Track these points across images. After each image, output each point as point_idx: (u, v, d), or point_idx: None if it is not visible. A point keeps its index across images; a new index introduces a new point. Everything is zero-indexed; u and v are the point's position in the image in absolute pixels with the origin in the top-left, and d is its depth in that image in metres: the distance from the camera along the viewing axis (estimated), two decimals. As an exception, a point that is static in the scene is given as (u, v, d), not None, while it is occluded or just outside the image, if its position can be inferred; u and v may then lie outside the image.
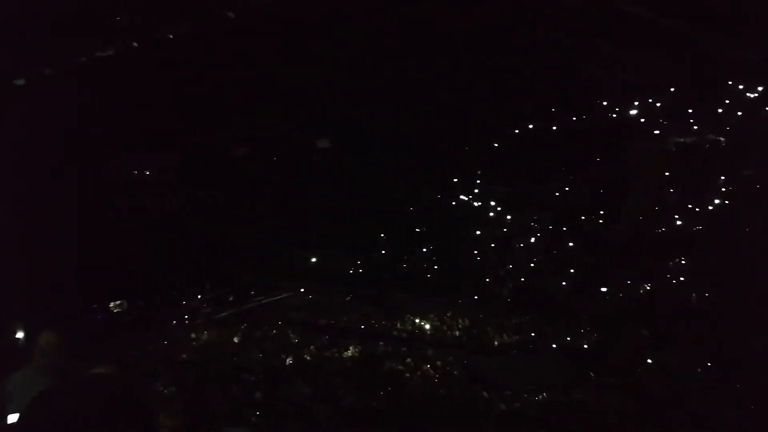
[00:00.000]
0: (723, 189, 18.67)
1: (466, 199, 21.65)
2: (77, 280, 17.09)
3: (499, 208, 21.19)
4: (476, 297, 20.16)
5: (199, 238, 21.66)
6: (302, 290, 22.86)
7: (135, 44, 15.19)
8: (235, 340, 20.44)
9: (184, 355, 19.92)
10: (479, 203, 21.49)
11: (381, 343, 18.78)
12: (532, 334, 17.97)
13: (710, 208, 18.74)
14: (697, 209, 18.91)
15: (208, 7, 14.49)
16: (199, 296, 22.23)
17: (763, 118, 18.67)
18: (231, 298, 22.41)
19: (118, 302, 21.19)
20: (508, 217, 21.09)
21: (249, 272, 22.47)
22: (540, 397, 14.89)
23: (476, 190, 21.60)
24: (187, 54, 16.15)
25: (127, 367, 16.82)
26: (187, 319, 21.45)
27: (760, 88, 18.38)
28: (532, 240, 20.76)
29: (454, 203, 21.72)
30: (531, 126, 20.33)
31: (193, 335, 21.29)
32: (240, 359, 19.30)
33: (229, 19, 14.82)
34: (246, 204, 22.54)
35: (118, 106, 17.56)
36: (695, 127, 18.74)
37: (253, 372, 18.70)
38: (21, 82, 14.24)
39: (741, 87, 18.29)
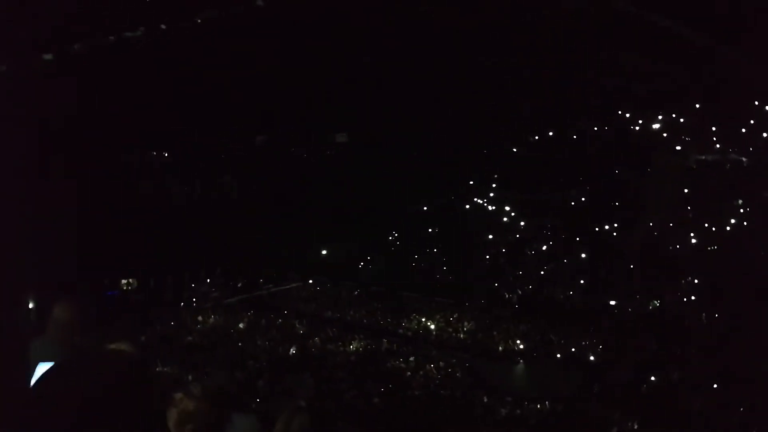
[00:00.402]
0: (741, 210, 18.46)
1: (481, 202, 21.60)
2: (91, 257, 17.24)
3: (513, 214, 21.11)
4: (484, 301, 20.09)
5: (213, 225, 21.78)
6: (311, 282, 22.92)
7: (138, 36, 15.29)
8: (241, 326, 20.54)
9: (190, 338, 20.06)
10: (493, 207, 21.41)
11: (385, 340, 18.79)
12: (538, 342, 17.90)
13: (727, 228, 18.53)
14: (713, 228, 18.71)
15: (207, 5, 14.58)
16: (208, 280, 22.35)
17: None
18: (240, 285, 22.51)
19: (129, 280, 21.34)
20: (522, 223, 21.01)
21: (259, 260, 22.55)
22: (541, 405, 14.83)
23: (491, 194, 21.53)
24: (191, 53, 16.26)
25: (138, 346, 17.02)
26: (195, 302, 21.58)
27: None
28: (544, 247, 20.66)
29: (468, 206, 21.67)
30: (551, 133, 20.22)
31: (200, 318, 21.42)
32: (245, 345, 19.41)
33: (228, 19, 14.91)
34: (261, 194, 22.63)
35: (137, 96, 17.70)
36: (718, 146, 18.53)
37: (257, 359, 18.81)
38: (49, 57, 14.36)
39: (767, 108, 18.07)
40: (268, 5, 15.05)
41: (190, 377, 14.41)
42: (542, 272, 20.00)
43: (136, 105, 18.25)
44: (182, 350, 19.28)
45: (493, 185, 21.56)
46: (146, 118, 19.17)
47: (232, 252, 22.25)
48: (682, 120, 18.82)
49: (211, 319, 21.18)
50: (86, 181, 17.31)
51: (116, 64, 15.74)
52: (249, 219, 22.04)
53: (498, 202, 21.35)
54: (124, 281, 21.53)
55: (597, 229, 19.69)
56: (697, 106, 18.52)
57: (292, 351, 18.54)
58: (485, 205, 21.62)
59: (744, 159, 18.41)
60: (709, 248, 18.34)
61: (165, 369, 16.79)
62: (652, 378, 15.34)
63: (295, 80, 17.86)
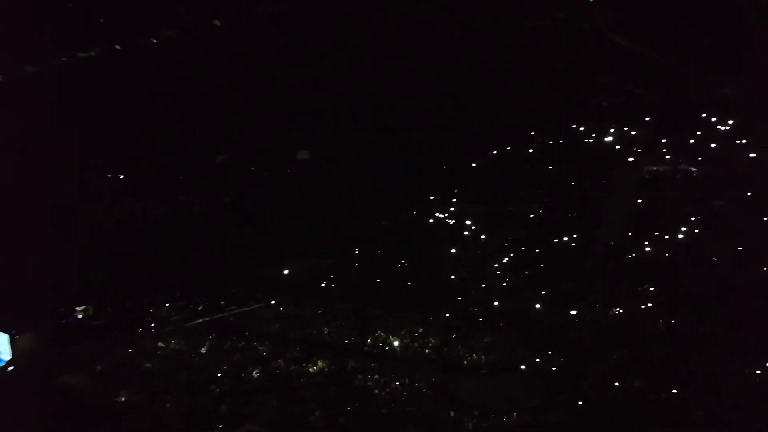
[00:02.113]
0: (693, 218, 19.08)
1: (443, 217, 21.78)
2: (44, 284, 16.73)
3: (474, 228, 21.33)
4: (448, 315, 20.16)
5: (171, 246, 21.36)
6: (273, 302, 22.60)
7: (117, 47, 15.12)
8: (203, 350, 20.09)
9: (149, 364, 19.50)
10: (455, 222, 21.61)
11: (350, 358, 18.62)
12: (503, 355, 18.01)
13: (680, 236, 19.11)
14: (666, 237, 19.27)
15: (193, 14, 14.50)
16: (168, 304, 21.83)
17: (735, 150, 19.28)
18: (201, 308, 22.05)
19: (83, 307, 20.72)
20: (483, 236, 21.23)
21: (220, 282, 22.18)
22: (507, 417, 14.90)
23: (453, 209, 21.74)
24: (167, 61, 16.11)
25: (93, 375, 16.53)
26: (154, 326, 21.02)
27: (731, 122, 19.01)
28: (506, 260, 20.91)
29: (430, 221, 21.83)
30: (509, 148, 20.62)
31: (160, 344, 20.88)
32: (207, 370, 18.97)
33: (212, 28, 14.85)
34: (220, 213, 22.34)
35: (93, 110, 17.38)
36: (668, 157, 19.20)
37: (220, 383, 18.40)
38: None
39: (714, 120, 18.87)
40: (223, 25, 15.02)
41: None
42: (505, 284, 20.24)
43: (89, 126, 17.89)
44: (141, 377, 18.77)
45: (454, 200, 21.80)
46: (100, 138, 18.81)
47: (192, 274, 21.83)
48: (634, 133, 19.46)
49: (172, 344, 20.67)
50: (39, 205, 16.84)
51: (70, 82, 15.43)
52: (210, 239, 21.71)
53: (459, 216, 21.57)
54: (79, 308, 20.90)
55: (557, 240, 20.07)
56: (647, 119, 19.18)
57: (256, 373, 18.22)
58: (447, 219, 21.81)
59: (693, 169, 19.09)
60: (664, 256, 18.91)
61: (123, 397, 16.31)
62: (616, 384, 15.61)
63: (256, 98, 17.78)
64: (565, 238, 20.00)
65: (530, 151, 20.27)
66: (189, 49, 15.82)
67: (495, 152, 20.82)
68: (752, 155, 19.27)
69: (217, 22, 14.97)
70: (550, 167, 20.10)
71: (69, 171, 18.74)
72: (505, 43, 16.11)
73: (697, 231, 18.72)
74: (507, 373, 17.41)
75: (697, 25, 15.50)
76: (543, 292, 19.41)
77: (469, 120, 18.89)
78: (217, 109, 18.45)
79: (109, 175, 20.64)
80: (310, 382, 17.91)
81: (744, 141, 19.01)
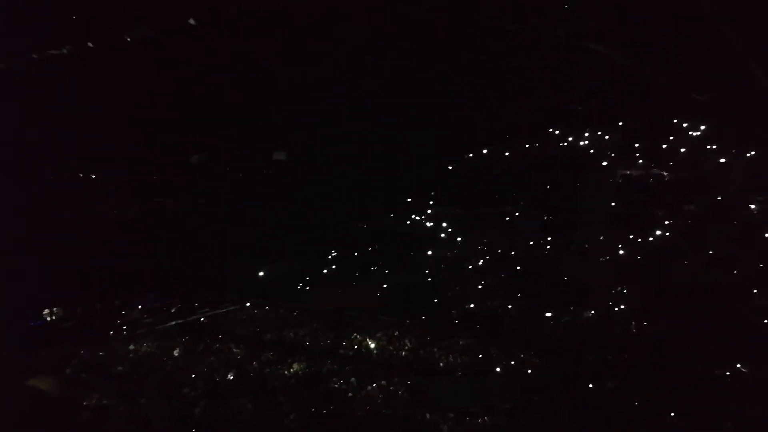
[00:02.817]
0: (665, 222, 19.41)
1: (419, 219, 21.82)
2: (11, 285, 16.36)
3: (450, 230, 21.43)
4: (424, 317, 20.14)
5: (143, 247, 21.08)
6: (248, 304, 22.36)
7: (90, 45, 14.84)
8: (176, 353, 19.76)
9: (120, 368, 19.11)
10: (431, 224, 21.69)
11: (326, 360, 18.52)
12: (479, 356, 18.05)
13: (651, 239, 19.44)
14: (639, 240, 19.58)
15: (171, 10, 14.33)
16: (140, 306, 21.47)
17: (706, 155, 19.68)
18: (173, 310, 21.69)
19: (52, 309, 20.30)
20: (459, 238, 21.32)
21: (194, 283, 21.89)
22: (483, 420, 14.94)
23: (429, 211, 21.80)
24: (141, 60, 15.89)
25: (62, 379, 16.17)
26: (125, 329, 20.64)
27: (703, 127, 19.40)
28: (481, 262, 21.05)
29: (407, 222, 21.87)
30: (485, 151, 20.76)
31: (131, 347, 20.46)
32: (180, 373, 18.67)
33: (187, 27, 14.67)
34: (193, 211, 22.12)
35: (63, 110, 17.08)
36: (641, 161, 19.52)
37: (193, 387, 18.10)
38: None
39: (686, 125, 19.24)
40: (199, 24, 14.86)
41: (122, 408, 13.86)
42: (481, 287, 20.28)
43: (59, 125, 17.58)
44: (112, 380, 18.39)
45: (431, 202, 21.88)
46: (71, 137, 18.49)
47: (165, 275, 21.52)
48: (608, 137, 19.76)
49: (144, 347, 20.29)
50: (6, 205, 16.48)
51: (40, 81, 15.14)
52: (183, 240, 21.45)
53: (436, 218, 21.64)
54: (47, 310, 20.43)
55: (532, 243, 20.27)
56: (621, 124, 19.50)
57: (230, 376, 18.00)
58: (423, 221, 21.87)
59: (665, 174, 19.44)
60: (637, 259, 19.15)
61: (93, 401, 15.98)
62: (590, 386, 15.74)
63: (231, 98, 17.61)
64: (541, 241, 20.23)
65: (506, 154, 20.48)
66: (164, 49, 15.62)
67: (471, 155, 20.99)
68: (722, 160, 19.67)
69: (192, 21, 14.79)
70: (526, 170, 20.34)
71: (38, 171, 18.36)
72: (480, 47, 16.22)
73: (668, 234, 19.05)
74: (482, 375, 17.45)
75: (669, 32, 15.81)
76: (518, 294, 19.53)
77: (445, 122, 18.99)
78: (190, 108, 18.25)
79: (81, 175, 20.27)
80: (285, 385, 17.69)
81: (714, 146, 19.40)
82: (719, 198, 19.18)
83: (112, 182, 21.01)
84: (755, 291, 17.53)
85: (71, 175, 20.06)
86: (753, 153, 19.16)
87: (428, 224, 22.35)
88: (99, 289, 20.73)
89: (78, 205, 19.98)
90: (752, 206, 19.16)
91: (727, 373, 15.09)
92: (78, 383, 16.77)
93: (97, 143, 19.06)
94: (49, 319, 20.13)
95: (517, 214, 21.39)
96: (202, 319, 21.52)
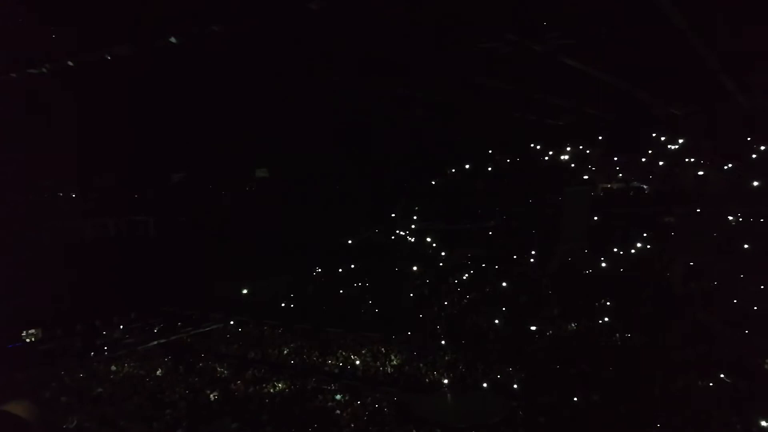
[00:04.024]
0: (645, 234, 19.63)
1: (403, 234, 21.87)
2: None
3: (434, 245, 21.48)
4: (409, 333, 20.13)
5: (125, 266, 20.80)
6: (232, 322, 22.17)
7: (70, 63, 14.72)
8: (158, 373, 19.51)
9: (101, 389, 18.80)
10: (416, 239, 21.73)
11: (311, 378, 18.37)
12: (464, 372, 18.04)
13: (632, 251, 19.62)
14: (621, 252, 19.76)
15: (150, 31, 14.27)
16: (121, 326, 21.18)
17: (683, 168, 20.06)
18: (156, 329, 21.45)
19: (31, 330, 19.93)
20: (443, 253, 21.38)
21: (177, 302, 21.67)
22: (469, 435, 14.91)
23: (413, 227, 21.86)
24: (122, 78, 15.77)
25: (40, 402, 15.75)
26: (106, 350, 20.34)
27: (680, 141, 19.79)
28: (465, 277, 21.07)
29: (391, 237, 21.89)
30: (467, 166, 20.93)
31: (113, 367, 20.17)
32: (163, 393, 18.39)
33: (169, 45, 14.62)
34: (176, 231, 21.89)
35: (41, 128, 16.87)
36: (621, 175, 19.82)
37: (175, 407, 17.83)
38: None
39: (663, 139, 19.62)
40: (180, 42, 14.80)
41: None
42: (465, 301, 20.36)
43: (38, 145, 17.36)
44: (92, 403, 18.07)
45: (414, 217, 21.94)
46: (50, 156, 18.26)
47: (146, 294, 21.28)
48: (588, 152, 20.02)
49: (125, 368, 20.03)
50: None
51: (19, 99, 14.97)
52: (164, 258, 21.22)
53: (420, 234, 21.71)
54: (27, 332, 20.09)
55: (515, 257, 20.37)
56: (601, 138, 19.77)
57: (214, 396, 17.77)
58: (407, 237, 21.91)
59: (645, 186, 19.72)
60: (618, 271, 19.38)
61: (73, 425, 15.66)
62: (575, 399, 15.77)
63: (213, 117, 17.55)
64: (524, 255, 20.33)
65: (489, 169, 20.63)
66: (144, 67, 15.50)
67: (454, 170, 21.12)
68: (699, 173, 20.05)
69: (173, 40, 14.73)
70: (508, 185, 20.50)
71: (18, 190, 18.08)
72: (462, 66, 16.35)
73: (649, 246, 19.30)
74: (468, 390, 17.43)
75: (647, 49, 16.10)
76: (502, 308, 19.63)
77: (429, 139, 19.10)
78: (171, 126, 18.11)
79: (61, 194, 19.99)
80: (270, 404, 17.55)
81: (692, 159, 19.79)
82: (698, 210, 19.53)
83: (91, 201, 20.81)
84: (735, 301, 17.78)
85: (49, 195, 19.83)
86: (729, 166, 19.57)
87: (412, 239, 22.47)
88: (78, 309, 20.44)
89: (56, 224, 19.73)
90: (730, 218, 19.49)
91: (710, 384, 15.25)
92: (57, 407, 16.45)
93: (76, 162, 18.86)
94: (28, 341, 19.75)
95: (500, 228, 21.61)
96: (185, 338, 21.33)
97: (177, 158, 20.51)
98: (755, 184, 19.09)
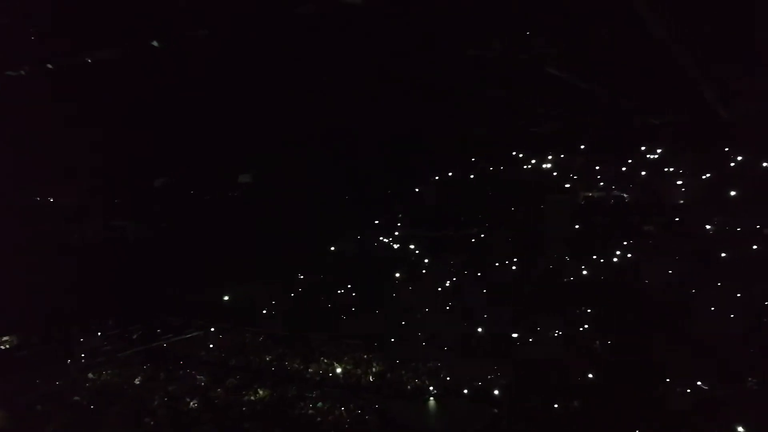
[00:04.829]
0: (625, 243, 19.85)
1: (386, 241, 21.85)
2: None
3: (417, 252, 21.51)
4: (392, 340, 20.13)
5: (103, 271, 20.51)
6: (213, 329, 21.98)
7: (49, 66, 14.54)
8: (137, 381, 19.31)
9: (78, 398, 18.56)
10: (399, 246, 21.73)
11: (293, 385, 18.33)
12: (447, 379, 18.10)
13: (614, 260, 19.83)
14: (601, 260, 19.95)
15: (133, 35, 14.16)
16: (99, 333, 20.87)
17: (663, 177, 20.38)
18: (135, 336, 21.19)
19: (6, 337, 19.60)
20: (426, 260, 21.41)
21: (156, 309, 21.40)
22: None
23: (396, 233, 21.87)
24: (101, 81, 15.62)
25: (16, 412, 15.56)
26: (84, 357, 20.04)
27: (659, 150, 20.10)
28: (448, 284, 21.13)
29: (374, 244, 21.86)
30: (450, 174, 21.03)
31: (91, 375, 19.92)
32: (141, 402, 18.21)
33: (150, 49, 14.52)
34: (155, 236, 21.65)
35: (16, 130, 16.65)
36: (602, 184, 20.04)
37: (155, 416, 17.68)
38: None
39: (644, 148, 19.91)
40: (161, 46, 14.71)
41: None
42: (448, 308, 20.41)
43: (11, 147, 17.12)
44: (70, 411, 17.82)
45: (398, 224, 21.95)
46: (25, 159, 18.01)
47: (126, 300, 21.00)
48: (570, 160, 20.23)
49: (104, 375, 19.78)
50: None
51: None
52: (145, 264, 20.97)
53: (403, 241, 21.71)
54: (1, 338, 19.74)
55: (497, 264, 20.47)
56: (582, 147, 19.99)
57: (193, 404, 17.64)
58: (390, 243, 21.89)
59: (625, 195, 19.95)
60: (600, 279, 19.58)
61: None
62: (556, 406, 15.93)
63: (196, 119, 17.44)
64: (506, 262, 20.46)
65: (471, 177, 20.77)
66: (126, 71, 15.38)
67: (437, 177, 21.19)
68: (679, 182, 20.35)
69: (155, 43, 14.64)
70: (491, 193, 20.66)
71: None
72: (445, 72, 16.47)
73: (629, 255, 19.51)
74: (450, 397, 17.50)
75: (629, 60, 16.38)
76: (485, 316, 19.71)
77: (412, 146, 19.15)
78: (153, 130, 17.96)
79: (38, 198, 19.69)
80: (251, 411, 17.48)
81: (671, 169, 20.06)
82: (677, 219, 19.82)
83: (71, 206, 20.51)
84: (713, 309, 18.06)
85: (27, 200, 19.50)
86: (708, 175, 19.88)
87: (395, 246, 22.48)
88: (56, 315, 20.12)
89: (33, 228, 19.41)
90: (708, 227, 19.80)
91: (688, 391, 15.50)
92: (33, 416, 16.19)
93: (55, 167, 18.59)
94: (3, 348, 19.39)
95: (482, 235, 21.75)
96: (164, 345, 21.08)
97: (158, 162, 20.30)
98: (733, 193, 19.44)
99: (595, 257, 19.82)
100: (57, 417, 16.70)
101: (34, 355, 19.49)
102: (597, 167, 20.32)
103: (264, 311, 21.80)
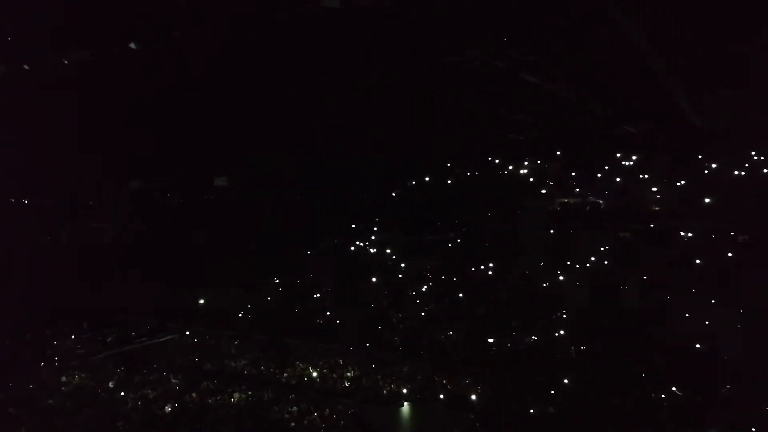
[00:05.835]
0: (600, 248, 20.04)
1: (363, 245, 21.88)
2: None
3: (394, 256, 21.55)
4: (368, 344, 20.11)
5: (75, 271, 20.29)
6: (188, 333, 21.83)
7: (26, 67, 14.39)
8: (111, 384, 19.11)
9: (51, 401, 18.32)
10: (375, 250, 21.77)
11: (268, 389, 18.22)
12: (423, 384, 18.10)
13: (588, 265, 20.00)
14: (577, 266, 20.11)
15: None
16: (72, 335, 20.64)
17: (639, 184, 20.62)
18: (108, 339, 20.98)
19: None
20: (402, 264, 21.46)
21: (131, 312, 21.22)
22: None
23: (373, 237, 21.90)
24: (80, 84, 15.48)
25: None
26: (57, 360, 19.81)
27: (635, 158, 20.37)
28: (424, 288, 21.18)
29: (351, 249, 21.87)
30: (427, 178, 21.11)
31: (63, 378, 19.68)
32: (115, 406, 18.01)
33: (128, 51, 14.40)
34: (129, 237, 21.49)
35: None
36: (578, 190, 20.24)
37: (129, 420, 17.47)
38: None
39: (619, 156, 20.16)
40: (140, 48, 14.61)
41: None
42: (423, 313, 20.45)
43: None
44: (42, 415, 17.59)
45: (374, 228, 21.98)
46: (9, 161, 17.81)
47: (99, 303, 20.80)
48: (546, 166, 20.38)
49: (77, 379, 19.55)
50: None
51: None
52: (118, 266, 20.80)
53: (379, 244, 21.75)
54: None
55: (473, 269, 20.56)
56: (559, 153, 20.16)
57: (168, 408, 17.48)
58: (367, 247, 21.92)
59: (601, 202, 20.15)
60: (575, 285, 19.73)
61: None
62: (532, 411, 15.98)
63: (171, 121, 17.32)
64: (482, 267, 20.55)
65: (448, 182, 20.85)
66: (103, 73, 15.23)
67: (414, 182, 21.26)
68: (654, 189, 20.60)
69: (132, 45, 14.51)
70: (468, 198, 20.75)
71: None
72: (422, 79, 16.51)
73: (605, 261, 19.69)
74: (427, 402, 17.49)
75: (605, 67, 16.53)
76: (461, 321, 19.77)
77: (390, 151, 19.18)
78: (128, 132, 17.81)
79: (12, 200, 19.45)
80: (226, 415, 17.35)
81: (646, 176, 20.32)
82: (652, 225, 20.05)
83: (46, 207, 20.29)
84: (688, 315, 18.26)
85: (1, 201, 19.26)
86: (683, 182, 20.15)
87: (372, 250, 22.50)
88: (28, 317, 19.87)
89: (6, 231, 19.17)
90: (683, 233, 20.04)
91: (663, 396, 15.63)
92: (3, 419, 15.95)
93: (30, 168, 18.38)
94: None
95: (459, 240, 21.83)
96: (139, 349, 20.90)
97: (136, 165, 20.13)
98: (707, 201, 19.70)
99: (570, 263, 19.97)
100: (29, 420, 16.48)
101: (5, 357, 19.25)
102: (573, 173, 20.53)
103: (239, 315, 21.71)
